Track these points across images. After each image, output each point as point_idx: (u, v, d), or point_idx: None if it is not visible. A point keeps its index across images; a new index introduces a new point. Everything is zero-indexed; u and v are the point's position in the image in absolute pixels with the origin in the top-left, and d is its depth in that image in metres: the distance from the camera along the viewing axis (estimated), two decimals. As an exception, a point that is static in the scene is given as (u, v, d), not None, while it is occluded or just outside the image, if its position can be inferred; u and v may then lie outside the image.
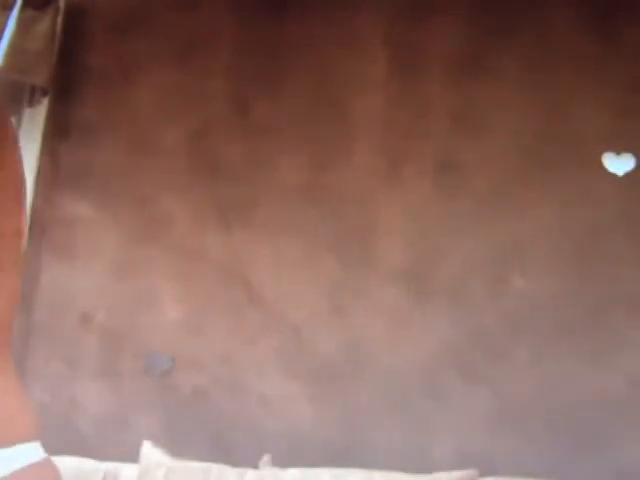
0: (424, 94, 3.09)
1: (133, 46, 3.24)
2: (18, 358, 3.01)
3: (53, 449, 2.98)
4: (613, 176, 2.93)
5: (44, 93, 3.17)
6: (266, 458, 2.70)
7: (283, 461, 2.69)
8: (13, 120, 3.20)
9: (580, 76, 3.03)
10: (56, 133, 3.20)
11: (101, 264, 3.07)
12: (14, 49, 3.03)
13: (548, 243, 2.92)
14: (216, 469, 2.60)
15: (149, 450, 2.67)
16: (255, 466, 2.67)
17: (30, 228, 3.12)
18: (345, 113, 3.10)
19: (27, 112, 3.20)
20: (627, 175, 2.93)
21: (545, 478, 2.60)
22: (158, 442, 2.73)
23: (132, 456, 2.68)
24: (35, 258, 3.09)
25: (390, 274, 2.95)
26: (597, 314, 2.84)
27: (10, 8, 3.10)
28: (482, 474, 2.62)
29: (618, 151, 2.95)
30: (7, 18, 3.08)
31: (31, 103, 3.18)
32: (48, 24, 3.12)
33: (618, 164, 2.94)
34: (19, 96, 3.21)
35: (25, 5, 3.10)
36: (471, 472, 2.61)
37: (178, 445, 2.82)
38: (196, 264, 3.04)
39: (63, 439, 2.90)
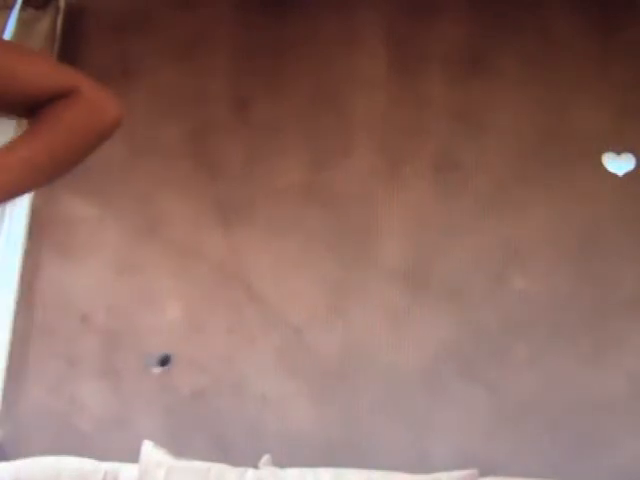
0: (424, 93, 3.09)
1: (133, 46, 3.24)
2: (18, 358, 3.01)
3: (53, 449, 2.99)
4: (613, 176, 2.93)
5: (44, 93, 3.17)
6: (266, 458, 2.70)
7: (283, 461, 2.69)
8: (13, 120, 3.20)
9: (581, 75, 3.03)
10: (56, 133, 3.20)
11: (101, 263, 3.07)
12: (14, 49, 3.03)
13: (548, 243, 2.91)
14: (216, 469, 2.60)
15: (149, 450, 2.67)
16: (255, 466, 2.67)
17: (30, 228, 3.12)
18: (345, 112, 3.10)
19: (27, 112, 3.19)
20: (627, 175, 2.93)
21: (545, 478, 2.60)
22: (158, 442, 2.73)
23: (132, 456, 2.68)
24: (35, 258, 3.09)
25: (390, 274, 2.95)
26: (597, 314, 2.84)
27: (10, 8, 3.10)
28: (482, 474, 2.62)
29: (618, 151, 2.95)
30: (7, 18, 3.08)
31: (31, 103, 3.17)
32: (48, 24, 3.12)
33: (618, 164, 2.94)
34: (19, 96, 3.21)
35: (25, 5, 3.10)
36: (471, 472, 2.61)
37: (178, 445, 2.82)
38: (196, 263, 3.04)
39: (63, 439, 2.91)
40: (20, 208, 3.12)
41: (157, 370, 2.96)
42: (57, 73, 1.06)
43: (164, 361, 2.97)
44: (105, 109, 1.10)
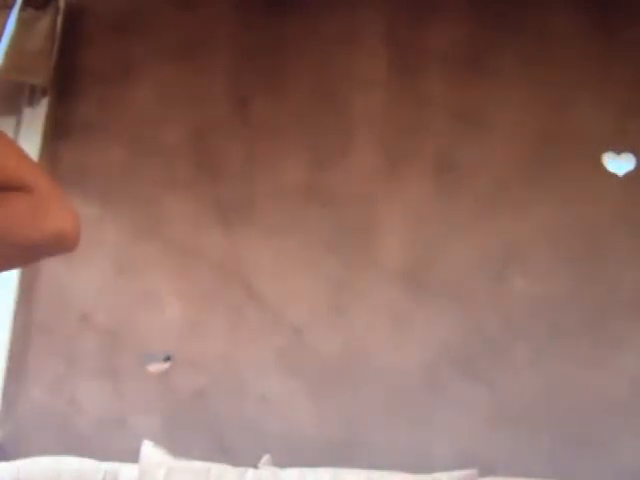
0: (424, 92, 3.09)
1: (133, 46, 3.24)
2: (18, 358, 3.01)
3: (53, 449, 2.98)
4: (613, 176, 2.93)
5: (44, 93, 3.17)
6: (266, 458, 2.70)
7: (283, 461, 2.69)
8: (13, 120, 3.20)
9: (581, 75, 3.03)
10: (56, 133, 3.20)
11: (101, 264, 3.07)
12: (14, 49, 3.03)
13: (548, 243, 2.91)
14: (216, 469, 2.60)
15: (149, 450, 2.67)
16: (255, 466, 2.67)
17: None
18: (345, 112, 3.10)
19: (27, 112, 3.20)
20: (627, 175, 2.93)
21: (545, 478, 2.60)
22: (158, 442, 2.73)
23: (132, 456, 2.68)
24: (35, 258, 3.08)
25: (390, 273, 2.95)
26: (597, 314, 2.84)
27: (10, 8, 3.10)
28: (482, 474, 2.62)
29: (618, 151, 2.94)
30: (7, 18, 3.08)
31: (31, 103, 3.18)
32: (48, 24, 3.12)
33: (618, 164, 2.94)
34: (19, 96, 3.21)
35: (25, 5, 3.10)
36: (471, 472, 2.61)
37: (178, 445, 2.82)
38: (196, 263, 3.04)
39: (63, 439, 2.91)
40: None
41: (152, 368, 2.96)
42: (19, 167, 0.97)
43: (166, 359, 2.97)
44: (49, 219, 0.96)
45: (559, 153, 2.97)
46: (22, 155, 1.00)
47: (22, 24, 3.07)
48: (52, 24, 3.14)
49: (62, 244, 0.99)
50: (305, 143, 3.09)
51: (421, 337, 2.89)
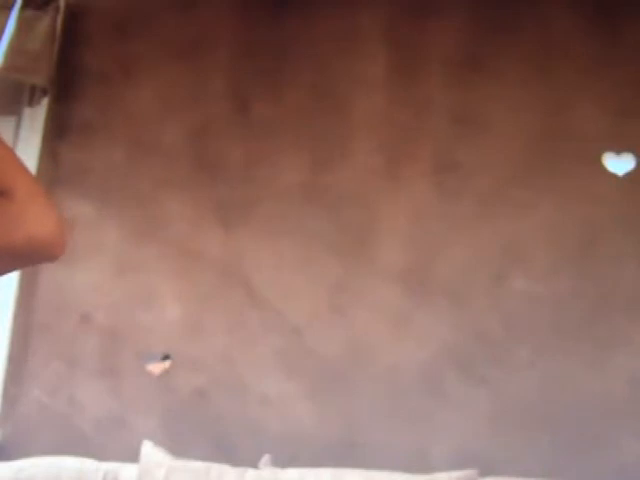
0: (424, 93, 3.09)
1: (133, 46, 3.24)
2: (18, 358, 3.01)
3: (53, 449, 2.98)
4: (613, 176, 2.93)
5: (44, 93, 3.17)
6: (266, 458, 2.70)
7: (283, 461, 2.69)
8: (13, 120, 3.20)
9: (580, 75, 3.03)
10: (56, 133, 3.21)
11: (101, 264, 3.07)
12: (14, 49, 3.03)
13: (548, 243, 2.91)
14: (216, 469, 2.60)
15: (149, 450, 2.67)
16: (255, 466, 2.67)
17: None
18: (345, 113, 3.10)
19: (27, 112, 3.20)
20: (627, 175, 2.93)
21: (545, 478, 2.60)
22: (158, 442, 2.73)
23: (132, 456, 2.68)
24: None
25: (390, 274, 2.95)
26: (597, 314, 2.84)
27: (10, 8, 3.10)
28: (482, 474, 2.62)
29: (618, 151, 2.94)
30: (7, 18, 3.08)
31: (31, 103, 3.18)
32: (48, 24, 3.12)
33: (618, 164, 2.94)
34: (19, 96, 3.21)
35: (25, 5, 3.10)
36: (471, 472, 2.61)
37: (178, 445, 2.82)
38: (196, 264, 3.04)
39: (63, 439, 2.91)
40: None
41: (152, 367, 2.96)
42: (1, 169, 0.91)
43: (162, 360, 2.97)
44: (27, 226, 0.90)
45: (559, 153, 2.97)
46: (9, 157, 0.95)
47: (22, 24, 3.07)
48: (52, 24, 3.14)
49: (42, 252, 0.92)
50: (305, 143, 3.09)
51: (421, 337, 2.89)
